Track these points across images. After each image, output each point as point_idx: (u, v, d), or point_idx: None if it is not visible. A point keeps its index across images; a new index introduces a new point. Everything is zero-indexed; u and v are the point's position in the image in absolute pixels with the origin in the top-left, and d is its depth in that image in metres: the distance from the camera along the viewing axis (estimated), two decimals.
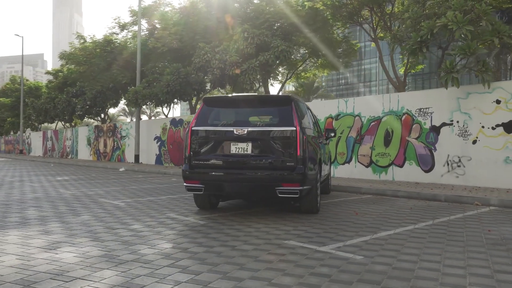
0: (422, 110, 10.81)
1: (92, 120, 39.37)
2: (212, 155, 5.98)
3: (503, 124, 9.41)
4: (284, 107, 6.05)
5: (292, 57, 16.12)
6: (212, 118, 6.26)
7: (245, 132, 5.80)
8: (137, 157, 21.37)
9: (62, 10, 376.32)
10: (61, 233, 4.96)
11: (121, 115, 64.25)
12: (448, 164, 10.29)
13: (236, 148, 5.87)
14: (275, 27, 17.51)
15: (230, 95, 6.43)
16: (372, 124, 11.89)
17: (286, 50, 15.14)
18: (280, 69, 22.25)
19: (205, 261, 3.82)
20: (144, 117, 52.15)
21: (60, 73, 34.73)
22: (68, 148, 31.15)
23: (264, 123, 6.22)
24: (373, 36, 17.18)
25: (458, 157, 10.10)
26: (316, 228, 5.38)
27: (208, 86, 19.70)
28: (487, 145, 9.63)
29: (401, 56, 17.79)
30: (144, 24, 23.43)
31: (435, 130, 10.54)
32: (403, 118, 11.21)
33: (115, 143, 24.78)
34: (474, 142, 9.83)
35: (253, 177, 5.77)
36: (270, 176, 5.75)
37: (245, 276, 3.39)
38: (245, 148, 5.83)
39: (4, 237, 4.77)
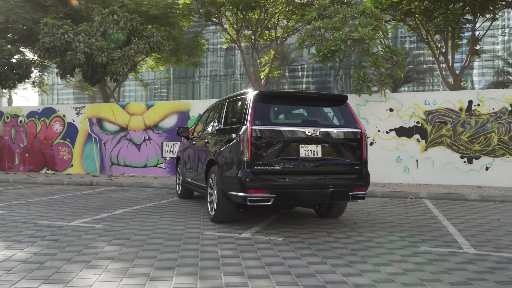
0: None
1: None
2: (280, 159, 5.13)
3: (395, 129, 11.21)
4: (342, 106, 5.75)
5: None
6: (273, 116, 5.36)
7: (318, 133, 5.24)
8: None
9: None
10: (162, 276, 3.44)
11: None
12: None
13: (305, 151, 5.21)
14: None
15: (286, 90, 5.66)
16: None
17: (161, 42, 13.83)
18: None
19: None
20: None
21: None
22: None
23: (332, 124, 5.73)
24: (234, 38, 17.47)
25: None
26: (397, 231, 5.35)
27: (56, 72, 16.04)
28: (382, 146, 11.28)
29: (259, 60, 18.69)
30: None
31: None
32: None
33: None
34: (371, 144, 11.36)
35: (332, 183, 5.26)
36: (346, 181, 5.37)
37: None
38: (315, 151, 5.26)
39: None
